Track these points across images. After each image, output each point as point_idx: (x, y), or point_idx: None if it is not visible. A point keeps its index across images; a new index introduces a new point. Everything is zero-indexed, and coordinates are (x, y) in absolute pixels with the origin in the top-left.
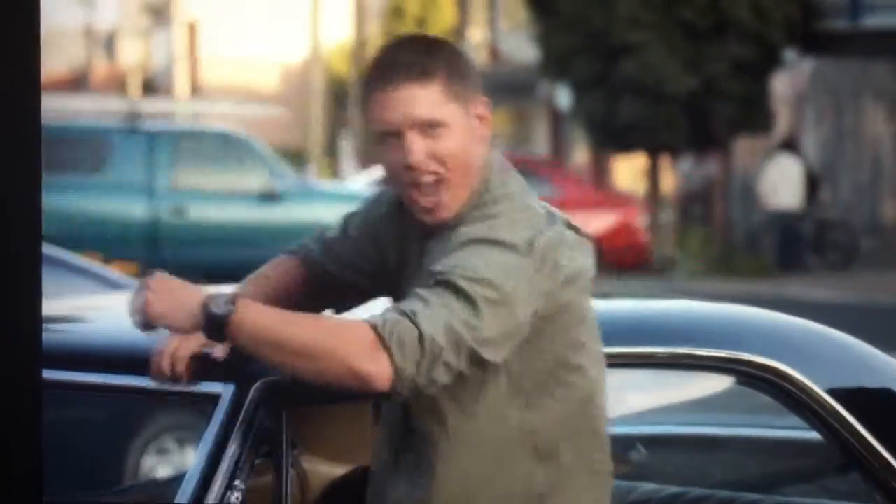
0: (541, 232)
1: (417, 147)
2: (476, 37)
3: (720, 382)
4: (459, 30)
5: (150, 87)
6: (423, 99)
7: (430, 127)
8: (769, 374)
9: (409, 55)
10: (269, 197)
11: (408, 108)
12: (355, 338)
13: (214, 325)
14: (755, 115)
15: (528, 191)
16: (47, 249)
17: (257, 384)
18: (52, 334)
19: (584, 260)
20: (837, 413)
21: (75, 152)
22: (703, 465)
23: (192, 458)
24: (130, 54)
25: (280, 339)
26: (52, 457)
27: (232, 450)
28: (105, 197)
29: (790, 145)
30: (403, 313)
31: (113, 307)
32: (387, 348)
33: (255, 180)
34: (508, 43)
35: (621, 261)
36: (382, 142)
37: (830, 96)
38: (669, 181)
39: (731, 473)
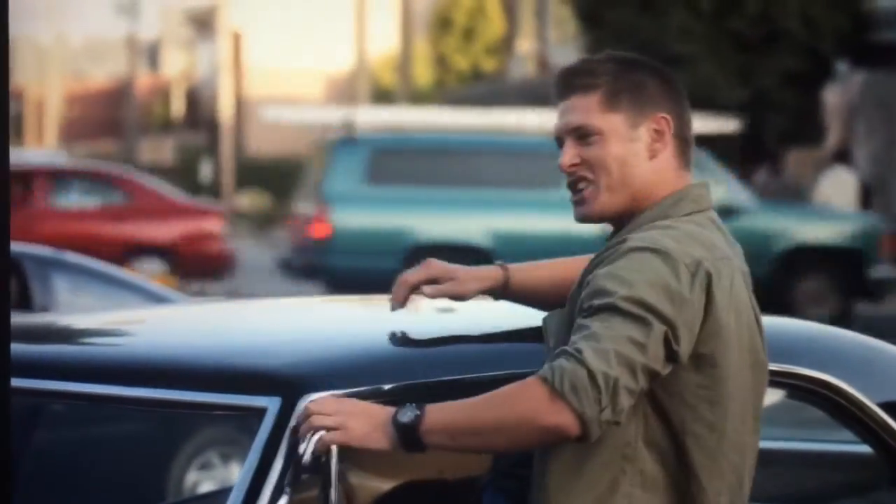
0: (708, 259)
1: (568, 152)
2: (525, 48)
3: (771, 396)
4: (508, 41)
5: (194, 98)
6: (580, 108)
7: (583, 135)
8: (820, 388)
9: (581, 68)
10: (727, 212)
11: (568, 117)
12: (533, 398)
13: (409, 436)
14: (806, 128)
15: (708, 227)
16: (94, 264)
17: (304, 398)
18: (96, 348)
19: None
20: (889, 426)
21: (524, 167)
22: (755, 479)
23: (236, 474)
24: (174, 64)
25: (471, 429)
26: (96, 472)
27: (277, 465)
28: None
29: (843, 157)
30: (570, 355)
31: (157, 321)
32: (564, 398)
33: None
34: (558, 54)
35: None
36: (559, 147)
37: (882, 108)
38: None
39: (782, 487)
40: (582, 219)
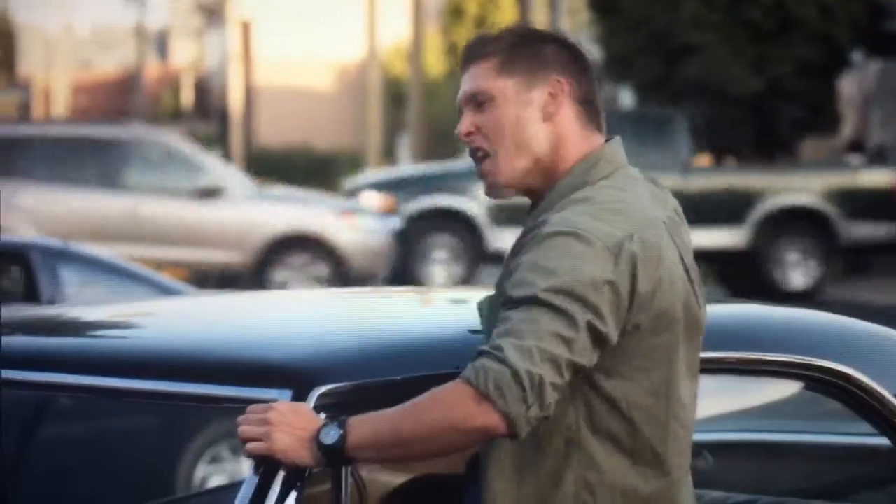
0: (631, 236)
1: (464, 121)
2: None
3: (789, 388)
4: None
5: (203, 87)
6: (474, 75)
7: (477, 101)
8: (838, 379)
9: (480, 40)
10: None
11: (463, 86)
12: (457, 402)
13: (333, 457)
14: (821, 117)
15: (628, 185)
16: (102, 255)
17: (315, 391)
18: (105, 341)
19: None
20: None
21: None
22: (772, 472)
23: (246, 467)
24: (183, 54)
25: (397, 440)
26: (106, 465)
27: None
28: None
29: (858, 147)
30: (490, 355)
31: (166, 312)
32: (489, 399)
33: None
34: None
35: None
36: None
37: None
38: None
39: (799, 480)
40: (490, 192)
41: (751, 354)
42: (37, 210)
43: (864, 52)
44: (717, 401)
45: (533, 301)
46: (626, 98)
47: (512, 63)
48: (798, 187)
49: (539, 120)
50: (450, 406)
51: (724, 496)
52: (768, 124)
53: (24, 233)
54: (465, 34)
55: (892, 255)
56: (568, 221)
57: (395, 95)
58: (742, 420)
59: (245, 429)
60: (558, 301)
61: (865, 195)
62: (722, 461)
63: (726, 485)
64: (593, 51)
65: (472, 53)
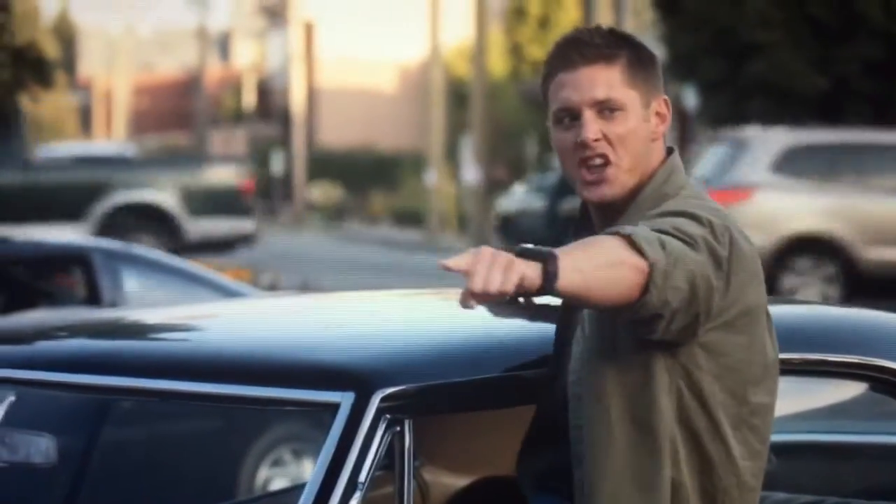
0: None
1: (592, 126)
2: None
3: (852, 388)
4: None
5: (265, 89)
6: (604, 81)
7: (607, 109)
8: (885, 375)
9: (595, 38)
10: None
11: (589, 88)
12: (620, 244)
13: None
14: (888, 116)
15: (701, 188)
16: (164, 258)
17: (378, 393)
18: (166, 344)
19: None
20: None
21: None
22: (837, 474)
23: (308, 470)
24: (245, 55)
25: (594, 267)
26: (168, 469)
27: (351, 461)
28: None
29: None
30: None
31: (228, 315)
32: (638, 247)
33: None
34: None
35: None
36: (559, 122)
37: None
38: None
39: (864, 481)
40: (600, 201)
41: (815, 356)
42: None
43: None
44: (782, 402)
45: (692, 243)
46: (691, 97)
47: (635, 71)
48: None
49: (649, 138)
50: (615, 247)
51: (788, 497)
52: (834, 124)
53: None
54: (528, 34)
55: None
56: (684, 207)
57: (457, 96)
58: (807, 421)
59: (480, 278)
60: (709, 247)
61: (213, 193)
62: (786, 462)
63: (791, 486)
64: (658, 50)
65: (593, 52)
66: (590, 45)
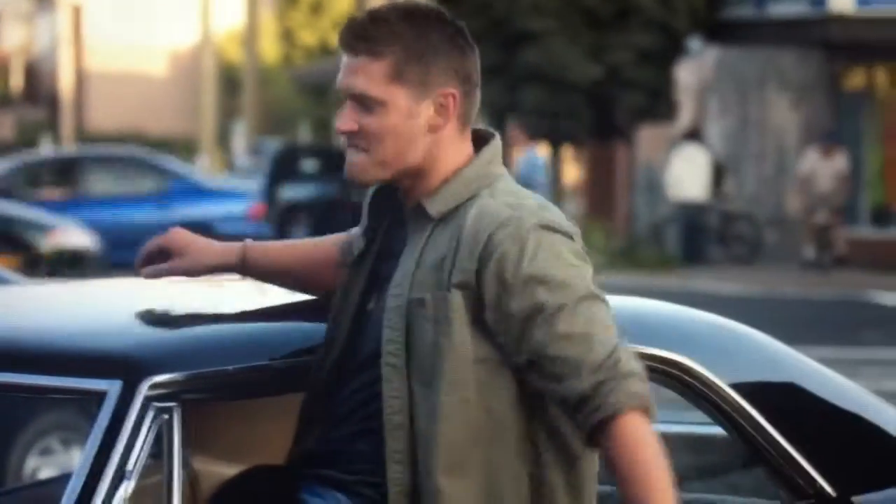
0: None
1: (345, 116)
2: None
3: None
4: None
5: (33, 71)
6: (365, 75)
7: (364, 103)
8: (672, 369)
9: (369, 30)
10: None
11: (350, 80)
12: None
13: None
14: (658, 105)
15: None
16: None
17: (146, 381)
18: None
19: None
20: (741, 407)
21: None
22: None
23: (77, 459)
24: (12, 38)
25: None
26: None
27: (119, 450)
28: None
29: (695, 135)
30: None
31: None
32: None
33: None
34: None
35: None
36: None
37: (735, 86)
38: (572, 172)
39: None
40: (350, 181)
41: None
42: None
43: (702, 39)
44: None
45: (577, 303)
46: None
47: (405, 68)
48: None
49: (424, 133)
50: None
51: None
52: (606, 112)
53: None
54: (300, 20)
55: (730, 244)
56: (534, 214)
57: (229, 81)
58: None
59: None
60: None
61: None
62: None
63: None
64: None
65: (362, 45)
66: (360, 38)
